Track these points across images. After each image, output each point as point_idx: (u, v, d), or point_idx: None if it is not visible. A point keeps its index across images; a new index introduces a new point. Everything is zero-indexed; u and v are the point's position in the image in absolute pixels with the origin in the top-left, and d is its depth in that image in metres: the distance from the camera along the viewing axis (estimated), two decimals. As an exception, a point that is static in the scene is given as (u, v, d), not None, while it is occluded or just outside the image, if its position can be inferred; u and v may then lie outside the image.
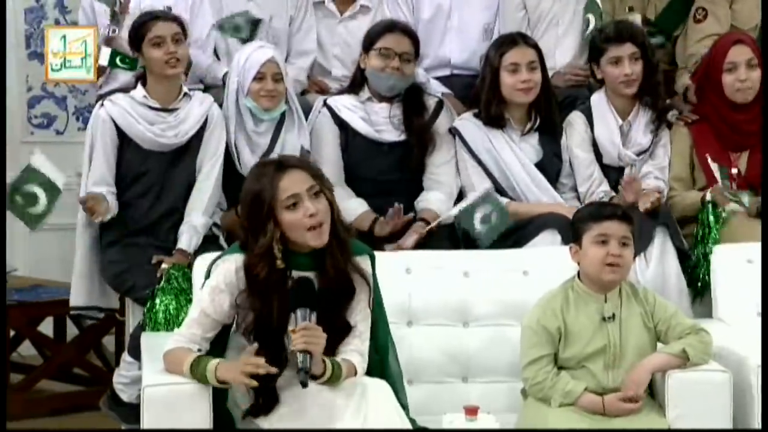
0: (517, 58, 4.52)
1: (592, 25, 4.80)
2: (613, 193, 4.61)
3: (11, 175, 4.25)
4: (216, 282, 3.38)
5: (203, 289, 3.42)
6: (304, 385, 3.23)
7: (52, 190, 4.18)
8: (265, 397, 3.33)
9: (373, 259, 3.53)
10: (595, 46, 4.73)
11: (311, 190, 3.35)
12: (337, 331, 3.39)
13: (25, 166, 4.22)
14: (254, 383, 3.24)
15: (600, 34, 4.73)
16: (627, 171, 4.68)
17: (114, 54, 4.55)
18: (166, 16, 4.45)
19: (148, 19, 4.40)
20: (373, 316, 3.49)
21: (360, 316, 3.44)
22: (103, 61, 4.55)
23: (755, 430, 3.58)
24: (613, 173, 4.69)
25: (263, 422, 3.34)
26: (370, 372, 3.47)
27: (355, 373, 3.36)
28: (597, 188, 4.63)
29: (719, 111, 4.68)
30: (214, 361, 3.31)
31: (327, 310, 3.36)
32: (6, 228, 5.67)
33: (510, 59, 4.52)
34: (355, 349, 3.41)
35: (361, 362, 3.41)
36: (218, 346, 3.43)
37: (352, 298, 3.43)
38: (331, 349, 3.37)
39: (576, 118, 4.72)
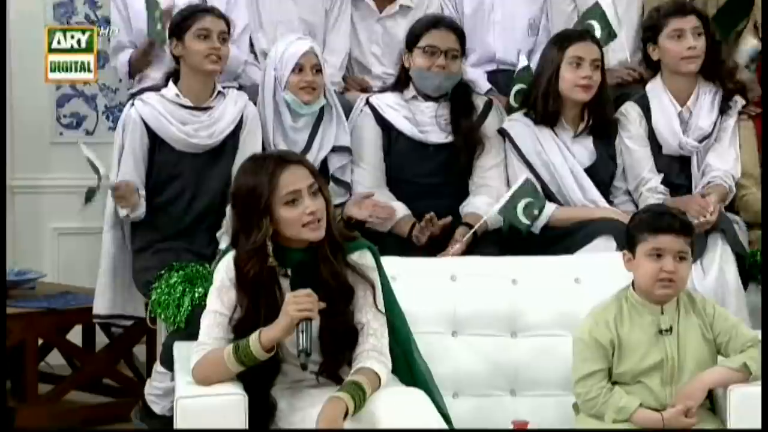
0: (582, 52, 4.42)
1: (597, 34, 4.62)
2: (667, 194, 4.51)
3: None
4: (220, 281, 3.36)
5: (210, 295, 3.39)
6: (305, 367, 3.21)
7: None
8: (261, 405, 3.31)
9: (374, 253, 3.46)
10: (651, 25, 4.61)
11: (311, 187, 3.32)
12: (343, 332, 3.34)
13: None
14: (313, 315, 3.19)
15: (657, 12, 4.60)
16: (694, 160, 4.58)
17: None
18: (216, 12, 4.42)
19: (197, 10, 4.38)
20: (387, 312, 3.41)
21: (370, 314, 3.37)
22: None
23: (755, 430, 3.44)
24: (675, 164, 4.59)
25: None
26: (397, 370, 3.41)
27: (379, 380, 3.27)
28: (645, 187, 4.51)
29: None
30: (254, 333, 3.23)
31: (329, 314, 3.30)
32: (30, 232, 5.67)
33: (574, 52, 4.42)
34: (372, 348, 3.33)
35: (382, 362, 3.32)
36: None
37: (351, 297, 3.37)
38: (344, 352, 3.34)
39: (630, 109, 4.62)
